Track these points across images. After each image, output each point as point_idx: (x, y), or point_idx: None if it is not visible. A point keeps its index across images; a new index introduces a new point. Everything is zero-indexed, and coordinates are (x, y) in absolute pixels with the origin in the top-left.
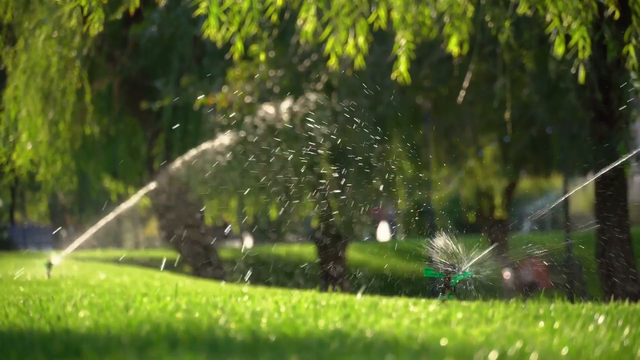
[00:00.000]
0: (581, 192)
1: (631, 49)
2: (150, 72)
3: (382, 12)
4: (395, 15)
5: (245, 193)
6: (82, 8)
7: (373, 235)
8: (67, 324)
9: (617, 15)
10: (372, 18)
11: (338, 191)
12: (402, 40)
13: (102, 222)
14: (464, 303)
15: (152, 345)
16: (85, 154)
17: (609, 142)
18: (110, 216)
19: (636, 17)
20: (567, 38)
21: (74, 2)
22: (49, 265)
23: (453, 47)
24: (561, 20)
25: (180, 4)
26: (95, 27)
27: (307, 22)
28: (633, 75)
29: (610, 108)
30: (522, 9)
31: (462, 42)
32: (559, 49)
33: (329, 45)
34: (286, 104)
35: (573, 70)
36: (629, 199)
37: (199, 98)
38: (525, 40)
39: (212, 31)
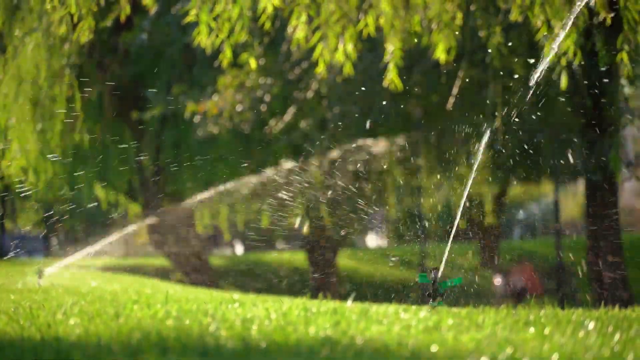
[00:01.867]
0: (572, 197)
1: (624, 56)
2: (140, 79)
3: (370, 20)
4: (384, 22)
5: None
6: (72, 16)
7: (364, 241)
8: (58, 332)
9: (608, 21)
10: (361, 25)
11: (329, 197)
12: (391, 47)
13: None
14: (454, 309)
15: (143, 352)
16: (75, 162)
17: (600, 148)
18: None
19: (628, 23)
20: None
21: (63, 9)
22: (40, 273)
23: (440, 54)
24: (549, 27)
25: (170, 12)
26: (85, 35)
27: (298, 30)
28: (623, 81)
29: (601, 114)
30: (514, 16)
31: (450, 48)
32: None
33: (316, 52)
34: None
35: (555, 77)
36: (620, 205)
37: (189, 106)
38: (515, 46)
39: (202, 38)
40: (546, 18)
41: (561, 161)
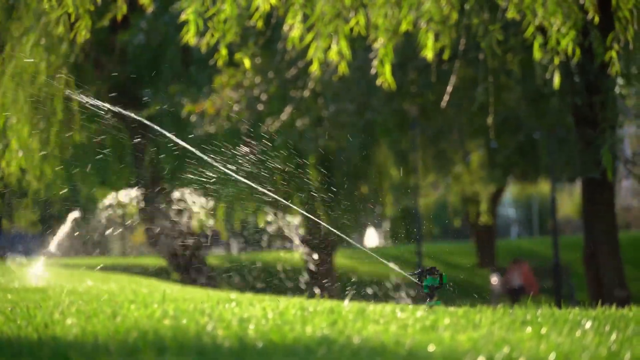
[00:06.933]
0: (569, 197)
1: (614, 55)
2: (138, 79)
3: (361, 18)
4: (376, 20)
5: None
6: (69, 15)
7: (360, 241)
8: (55, 331)
9: (596, 20)
10: (352, 23)
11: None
12: (381, 45)
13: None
14: (451, 309)
15: (140, 352)
16: (74, 161)
17: (596, 146)
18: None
19: (619, 21)
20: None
21: (60, 9)
22: (37, 273)
23: (428, 52)
24: (543, 26)
25: (167, 11)
26: (83, 34)
27: (294, 29)
28: (619, 80)
29: (595, 113)
30: (511, 14)
31: (444, 47)
32: (537, 54)
33: (310, 51)
34: None
35: (548, 76)
36: (617, 204)
37: (186, 105)
38: (511, 45)
39: (191, 37)
40: (543, 17)
41: (558, 160)
